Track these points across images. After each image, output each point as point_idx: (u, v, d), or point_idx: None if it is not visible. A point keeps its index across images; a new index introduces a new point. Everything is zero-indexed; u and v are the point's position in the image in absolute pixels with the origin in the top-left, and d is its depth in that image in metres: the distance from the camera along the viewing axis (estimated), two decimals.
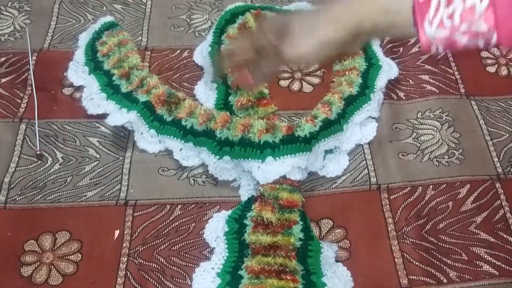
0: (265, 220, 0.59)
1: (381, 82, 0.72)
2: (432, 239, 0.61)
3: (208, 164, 0.64)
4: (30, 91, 0.73)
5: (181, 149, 0.66)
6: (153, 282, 0.57)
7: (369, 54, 0.75)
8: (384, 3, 0.41)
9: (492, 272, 0.59)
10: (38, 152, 0.66)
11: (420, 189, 0.65)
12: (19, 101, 0.72)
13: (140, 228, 0.61)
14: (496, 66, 0.79)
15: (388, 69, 0.74)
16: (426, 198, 0.64)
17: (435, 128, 0.71)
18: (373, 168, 0.67)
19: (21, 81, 0.74)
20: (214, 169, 0.64)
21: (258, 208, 0.60)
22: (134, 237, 0.60)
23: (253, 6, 0.81)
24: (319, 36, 0.44)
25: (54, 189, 0.64)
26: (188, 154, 0.66)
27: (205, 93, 0.73)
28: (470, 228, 0.62)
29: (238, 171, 0.64)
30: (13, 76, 0.75)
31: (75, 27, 0.81)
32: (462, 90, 0.76)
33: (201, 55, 0.77)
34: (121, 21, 0.82)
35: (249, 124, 0.63)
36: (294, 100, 0.74)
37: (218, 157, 0.63)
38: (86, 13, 0.83)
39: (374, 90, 0.70)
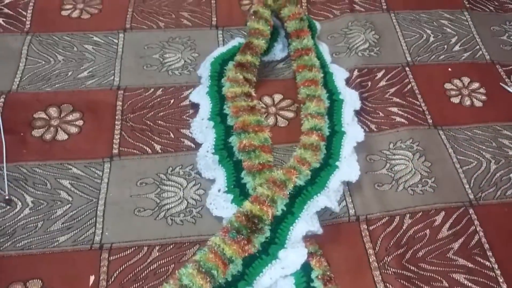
0: None
1: (347, 116, 0.75)
2: (413, 268, 0.62)
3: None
4: None
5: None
6: None
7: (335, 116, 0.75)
8: None
9: None
10: (6, 197, 0.64)
11: (398, 219, 0.66)
12: None
13: (117, 272, 0.59)
14: (459, 97, 0.83)
15: (351, 102, 0.77)
16: (404, 227, 0.65)
17: (407, 158, 0.73)
18: (350, 200, 0.68)
19: None
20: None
21: None
22: (110, 282, 0.58)
23: (233, 50, 0.82)
24: None
25: (24, 235, 0.61)
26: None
27: (202, 132, 0.72)
28: (448, 255, 0.63)
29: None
30: None
31: (45, 68, 0.80)
32: (430, 121, 0.79)
33: (198, 94, 0.77)
34: (93, 61, 0.82)
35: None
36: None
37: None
38: (56, 54, 0.82)
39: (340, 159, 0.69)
